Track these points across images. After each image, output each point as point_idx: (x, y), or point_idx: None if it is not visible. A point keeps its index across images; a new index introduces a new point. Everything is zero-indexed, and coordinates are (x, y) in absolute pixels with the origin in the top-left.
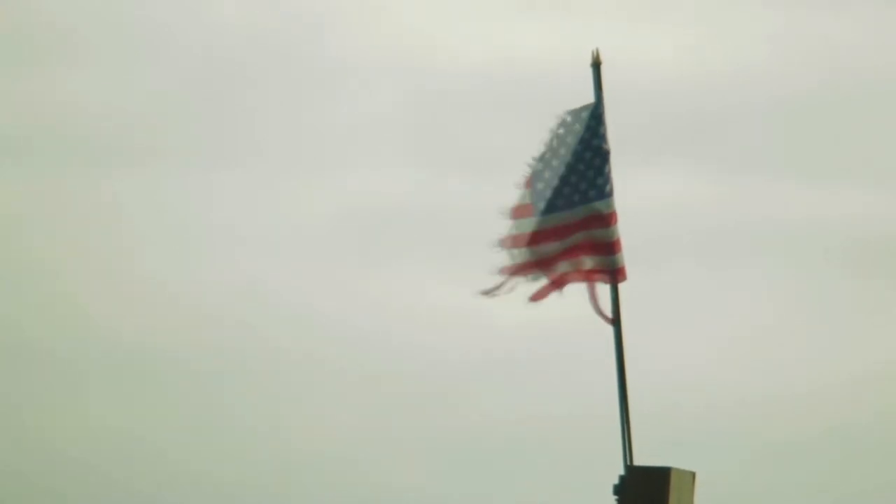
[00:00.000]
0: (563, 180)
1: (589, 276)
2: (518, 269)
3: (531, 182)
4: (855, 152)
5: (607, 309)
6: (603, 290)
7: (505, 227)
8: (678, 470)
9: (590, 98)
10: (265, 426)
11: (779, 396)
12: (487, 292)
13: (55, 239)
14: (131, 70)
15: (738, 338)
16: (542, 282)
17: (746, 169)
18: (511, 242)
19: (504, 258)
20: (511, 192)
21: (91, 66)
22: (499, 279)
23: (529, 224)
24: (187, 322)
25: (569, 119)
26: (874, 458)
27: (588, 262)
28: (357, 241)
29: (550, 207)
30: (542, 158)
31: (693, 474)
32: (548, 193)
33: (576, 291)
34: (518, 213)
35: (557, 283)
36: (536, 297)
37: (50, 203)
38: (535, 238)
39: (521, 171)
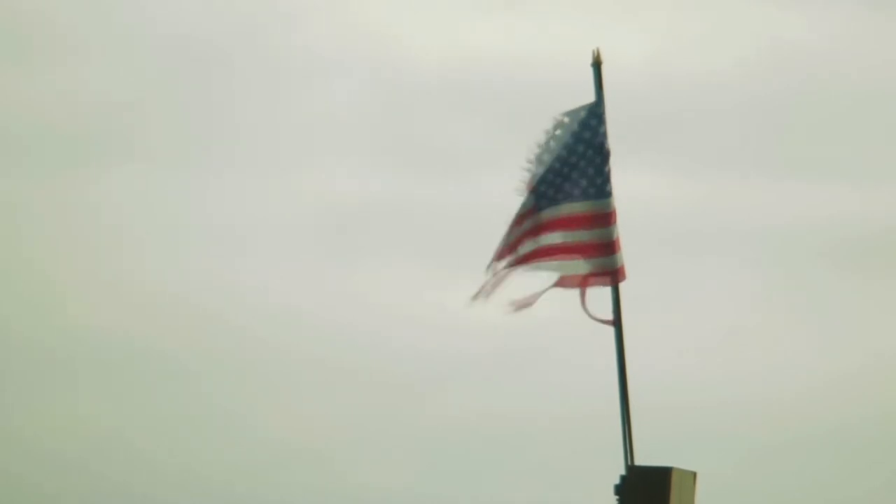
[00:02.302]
0: (563, 177)
1: (584, 282)
2: (518, 262)
3: (535, 186)
4: (835, 151)
5: (602, 312)
6: (602, 290)
7: (513, 233)
8: (679, 470)
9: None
10: (242, 422)
11: (778, 396)
12: (482, 292)
13: (34, 236)
14: (92, 69)
15: (733, 337)
16: (532, 279)
17: (733, 168)
18: (518, 243)
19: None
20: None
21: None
22: (494, 276)
23: (532, 223)
24: (164, 319)
25: (566, 121)
26: (874, 456)
27: (584, 265)
28: (331, 239)
29: (550, 202)
30: (540, 161)
31: (694, 474)
32: (550, 193)
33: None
34: (523, 218)
35: (558, 285)
36: (522, 303)
37: (26, 199)
38: (535, 231)
39: (519, 176)
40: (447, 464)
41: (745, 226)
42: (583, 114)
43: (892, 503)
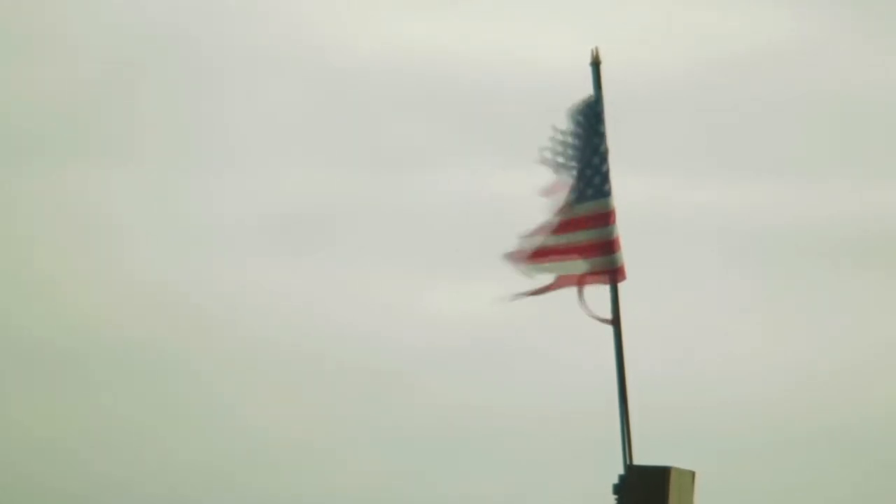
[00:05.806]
0: (583, 175)
1: (582, 281)
2: (528, 259)
3: (575, 183)
4: (834, 151)
5: (601, 310)
6: (601, 290)
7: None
8: (678, 469)
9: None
10: (222, 417)
11: (778, 395)
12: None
13: (33, 233)
14: (26, 70)
15: (732, 336)
16: (543, 275)
17: (732, 168)
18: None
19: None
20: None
21: None
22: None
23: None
24: (160, 316)
25: (581, 119)
26: (873, 455)
27: (583, 265)
28: (302, 238)
29: (583, 199)
30: (574, 158)
31: (693, 474)
32: (590, 192)
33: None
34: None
35: (555, 285)
36: (534, 292)
37: (23, 197)
38: (542, 232)
39: (550, 156)
40: (445, 463)
41: (745, 226)
42: (581, 116)
43: (892, 501)
